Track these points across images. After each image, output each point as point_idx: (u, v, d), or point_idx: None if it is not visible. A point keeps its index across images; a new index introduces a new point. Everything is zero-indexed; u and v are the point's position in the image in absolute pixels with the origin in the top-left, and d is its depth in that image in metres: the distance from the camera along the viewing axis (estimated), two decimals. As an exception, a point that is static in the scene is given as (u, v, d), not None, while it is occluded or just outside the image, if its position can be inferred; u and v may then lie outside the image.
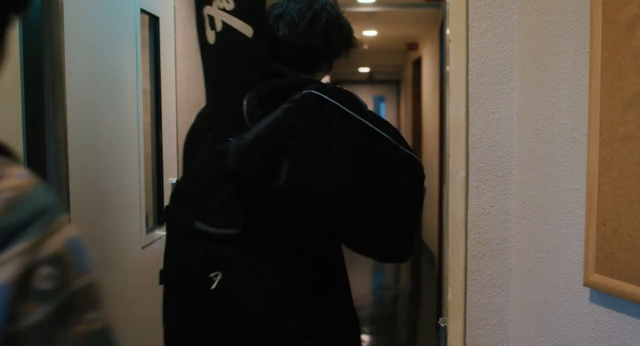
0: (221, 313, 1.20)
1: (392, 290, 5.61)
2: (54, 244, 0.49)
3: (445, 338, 1.35)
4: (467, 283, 1.32)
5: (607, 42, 0.99)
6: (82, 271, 0.52)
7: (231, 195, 1.16)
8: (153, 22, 2.13)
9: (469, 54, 1.29)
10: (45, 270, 0.48)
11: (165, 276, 1.29)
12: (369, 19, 6.29)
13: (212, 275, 1.17)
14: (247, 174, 1.09)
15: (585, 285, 1.05)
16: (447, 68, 1.32)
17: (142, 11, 1.96)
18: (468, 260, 1.32)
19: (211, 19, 1.17)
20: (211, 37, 1.18)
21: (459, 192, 1.31)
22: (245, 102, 1.15)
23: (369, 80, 11.68)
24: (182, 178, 1.33)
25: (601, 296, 1.04)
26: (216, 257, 1.18)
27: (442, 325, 1.37)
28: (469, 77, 1.29)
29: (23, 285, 0.46)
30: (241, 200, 1.16)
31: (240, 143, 1.08)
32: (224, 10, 1.16)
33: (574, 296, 1.11)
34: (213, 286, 1.17)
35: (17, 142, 1.21)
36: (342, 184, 1.13)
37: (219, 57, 1.21)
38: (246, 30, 1.17)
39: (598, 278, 1.02)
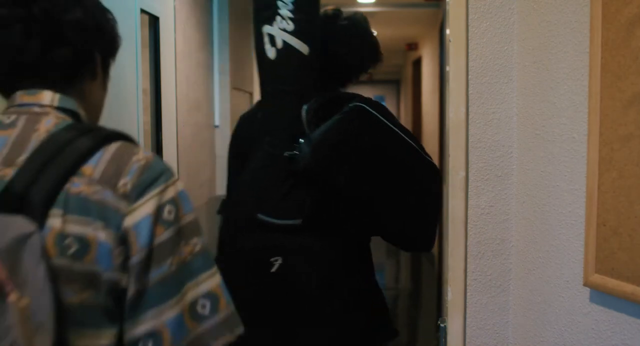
0: (280, 292, 1.39)
1: (392, 290, 5.61)
2: (171, 192, 0.78)
3: (445, 338, 1.35)
4: (467, 283, 1.32)
5: (607, 42, 0.99)
6: (188, 211, 0.79)
7: (290, 191, 1.37)
8: (153, 22, 2.13)
9: (469, 54, 1.29)
10: (168, 208, 0.77)
11: (222, 263, 1.35)
12: (369, 19, 6.28)
13: (272, 259, 1.37)
14: (319, 168, 1.32)
15: (585, 285, 1.05)
16: (447, 68, 1.32)
17: (142, 11, 1.96)
18: (468, 260, 1.32)
19: (271, 37, 1.36)
20: (271, 52, 1.36)
21: (459, 191, 1.31)
22: (304, 112, 1.36)
23: (369, 80, 11.66)
24: (236, 174, 1.54)
25: (601, 296, 1.04)
26: (276, 243, 1.38)
27: (441, 325, 1.38)
28: (469, 77, 1.29)
29: (157, 215, 0.75)
30: (305, 194, 1.37)
31: (312, 144, 1.31)
32: (284, 30, 1.35)
33: (573, 296, 1.11)
34: (273, 269, 1.37)
35: (17, 142, 1.21)
36: (385, 185, 1.36)
37: (278, 70, 1.38)
38: (303, 48, 1.36)
39: (598, 278, 1.02)
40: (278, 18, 1.35)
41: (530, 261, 1.26)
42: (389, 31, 7.14)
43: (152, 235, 0.75)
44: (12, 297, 0.65)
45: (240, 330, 0.82)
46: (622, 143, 0.96)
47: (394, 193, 1.36)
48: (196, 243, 0.79)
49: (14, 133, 0.78)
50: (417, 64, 7.68)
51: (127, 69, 1.81)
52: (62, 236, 0.72)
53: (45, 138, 0.77)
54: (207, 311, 0.78)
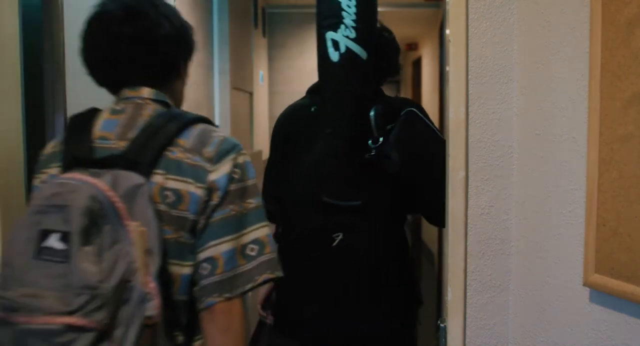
0: (339, 264, 1.65)
1: (392, 290, 5.59)
2: (241, 160, 1.07)
3: (445, 338, 1.35)
4: (467, 283, 1.32)
5: (606, 42, 0.99)
6: (251, 177, 1.08)
7: (352, 177, 1.64)
8: (153, 22, 2.13)
9: (469, 54, 1.29)
10: (237, 170, 1.05)
11: (285, 239, 1.72)
12: (369, 19, 6.28)
13: (334, 235, 1.64)
14: (399, 166, 1.59)
15: (585, 285, 1.05)
16: (447, 68, 1.32)
17: (142, 11, 1.96)
18: (468, 260, 1.32)
19: (335, 42, 1.56)
20: (335, 56, 1.57)
21: (459, 191, 1.31)
22: (373, 115, 1.61)
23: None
24: (279, 161, 1.82)
25: (601, 296, 1.04)
26: (338, 222, 1.64)
27: (441, 324, 1.38)
28: (469, 77, 1.29)
29: (230, 174, 1.04)
30: (363, 180, 1.65)
31: (398, 152, 1.60)
32: (347, 37, 1.55)
33: (573, 296, 1.11)
34: (334, 244, 1.64)
35: (17, 142, 1.21)
36: (429, 173, 1.58)
37: (340, 73, 1.58)
38: (362, 54, 1.57)
39: (598, 278, 1.02)
40: (342, 26, 1.55)
41: (530, 261, 1.26)
42: (389, 31, 7.13)
43: (226, 188, 1.03)
44: (132, 225, 0.92)
45: (279, 272, 1.06)
46: (622, 143, 0.96)
47: (434, 179, 1.52)
48: (252, 202, 1.06)
49: (123, 117, 1.10)
50: (417, 64, 7.67)
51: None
52: (163, 189, 1.01)
53: (147, 120, 1.07)
54: (254, 253, 1.04)
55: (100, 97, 1.63)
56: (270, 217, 1.29)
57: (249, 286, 1.03)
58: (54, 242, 0.90)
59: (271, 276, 1.05)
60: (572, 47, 1.11)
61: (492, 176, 1.31)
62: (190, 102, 2.89)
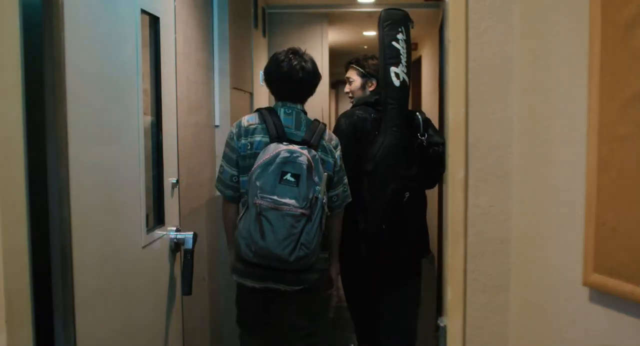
0: (407, 212, 2.64)
1: (392, 290, 5.58)
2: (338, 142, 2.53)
3: (445, 337, 1.35)
4: (467, 283, 1.32)
5: (606, 43, 0.99)
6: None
7: (411, 156, 2.64)
8: (153, 22, 2.13)
9: (469, 54, 1.29)
10: (339, 148, 2.51)
11: (378, 197, 2.61)
12: (369, 19, 6.28)
13: (406, 194, 2.61)
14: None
15: (584, 284, 1.05)
16: (447, 68, 1.32)
17: (142, 11, 1.96)
18: (467, 259, 1.32)
19: (396, 74, 2.58)
20: (397, 82, 2.58)
21: (459, 191, 1.31)
22: (421, 119, 2.65)
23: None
24: (354, 150, 2.72)
25: (600, 295, 1.04)
26: (407, 186, 2.61)
27: (441, 324, 1.38)
28: (469, 77, 1.29)
29: (340, 155, 2.51)
30: (415, 158, 2.64)
31: (442, 143, 2.51)
32: (403, 72, 2.59)
33: (573, 296, 1.11)
34: (405, 199, 2.61)
35: (17, 142, 1.22)
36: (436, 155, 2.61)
37: (400, 93, 2.60)
38: (408, 81, 2.61)
39: (597, 278, 1.02)
40: (400, 64, 2.58)
41: (529, 261, 1.26)
42: (388, 31, 7.12)
43: (340, 159, 2.49)
44: (324, 174, 2.29)
45: (350, 199, 2.56)
46: (622, 143, 0.96)
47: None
48: (342, 166, 2.50)
49: (292, 117, 2.41)
50: (417, 64, 7.67)
51: (127, 69, 1.81)
52: (318, 158, 2.29)
53: (307, 121, 2.42)
54: (345, 193, 2.52)
55: (100, 97, 1.63)
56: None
57: (344, 205, 2.54)
58: (289, 177, 2.22)
59: (349, 200, 2.56)
60: (572, 47, 1.11)
61: (492, 176, 1.31)
62: (191, 102, 2.89)
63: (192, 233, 2.26)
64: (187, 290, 2.24)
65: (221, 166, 2.46)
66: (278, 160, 2.22)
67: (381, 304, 2.88)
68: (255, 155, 2.32)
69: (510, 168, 1.30)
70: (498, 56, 1.29)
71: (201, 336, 3.07)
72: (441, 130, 2.82)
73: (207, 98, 3.31)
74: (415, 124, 2.64)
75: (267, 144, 2.32)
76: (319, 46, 5.90)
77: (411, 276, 2.88)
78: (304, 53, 2.48)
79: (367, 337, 3.00)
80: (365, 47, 8.72)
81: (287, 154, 2.23)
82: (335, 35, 7.11)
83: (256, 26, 4.67)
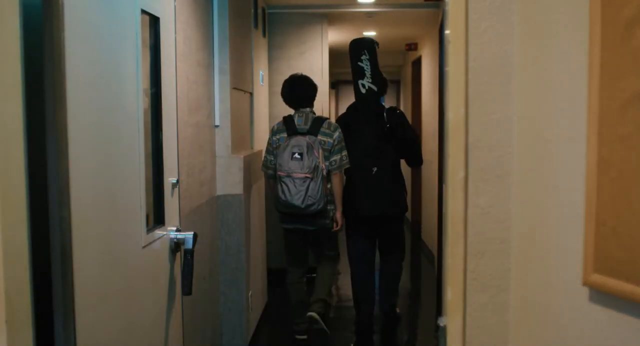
0: (375, 183, 4.08)
1: (392, 290, 5.58)
2: (338, 132, 3.96)
3: (445, 337, 1.35)
4: (467, 283, 1.32)
5: (606, 43, 0.99)
6: (342, 137, 4.01)
7: (379, 142, 4.12)
8: (153, 22, 2.13)
9: (469, 54, 1.29)
10: (338, 136, 3.93)
11: (349, 174, 4.11)
12: (369, 19, 6.29)
13: (373, 168, 4.06)
14: (398, 134, 4.19)
15: (584, 284, 1.05)
16: (447, 68, 1.32)
17: (143, 11, 1.96)
18: (467, 259, 1.32)
19: (362, 84, 4.01)
20: (363, 90, 4.04)
21: (458, 191, 1.31)
22: (385, 114, 4.07)
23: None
24: (349, 139, 4.06)
25: (600, 295, 1.04)
26: (374, 162, 4.06)
27: (441, 324, 1.38)
28: (468, 77, 1.30)
29: (338, 136, 3.94)
30: (385, 144, 4.11)
31: (397, 125, 4.12)
32: (368, 82, 4.03)
33: (573, 296, 1.11)
34: (373, 173, 4.07)
35: (17, 142, 1.22)
36: (406, 135, 4.19)
37: (366, 99, 4.07)
38: (376, 89, 4.08)
39: (597, 278, 1.02)
40: (365, 77, 4.02)
41: (529, 261, 1.26)
42: (388, 31, 7.14)
43: (337, 139, 3.90)
44: (319, 151, 3.82)
45: (348, 165, 3.96)
46: (622, 143, 0.96)
47: (408, 139, 4.22)
48: (341, 142, 3.93)
49: (302, 117, 3.93)
50: (417, 64, 7.68)
51: (127, 69, 1.81)
52: (321, 140, 3.85)
53: (313, 118, 3.94)
54: (344, 160, 3.94)
55: (100, 97, 1.63)
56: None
57: (342, 169, 3.91)
58: (296, 155, 3.72)
59: (347, 166, 3.94)
60: (572, 47, 1.11)
61: (492, 176, 1.31)
62: (191, 102, 2.89)
63: (192, 233, 2.26)
64: (187, 290, 2.24)
65: (264, 155, 4.04)
66: (289, 146, 3.79)
67: (375, 241, 4.39)
68: (280, 146, 3.87)
69: (510, 168, 1.30)
70: (498, 56, 1.29)
71: (201, 336, 3.07)
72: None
73: (207, 98, 3.31)
74: (383, 117, 4.02)
75: (285, 138, 3.87)
76: (319, 46, 5.90)
77: (394, 222, 4.30)
78: (301, 76, 4.10)
79: (363, 290, 4.38)
80: (365, 47, 8.70)
81: (294, 142, 3.79)
82: (335, 35, 7.10)
83: (256, 26, 4.67)
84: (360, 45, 4.01)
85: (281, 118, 4.01)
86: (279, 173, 3.74)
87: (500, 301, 1.32)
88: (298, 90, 3.95)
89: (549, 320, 1.19)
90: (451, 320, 1.33)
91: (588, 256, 1.03)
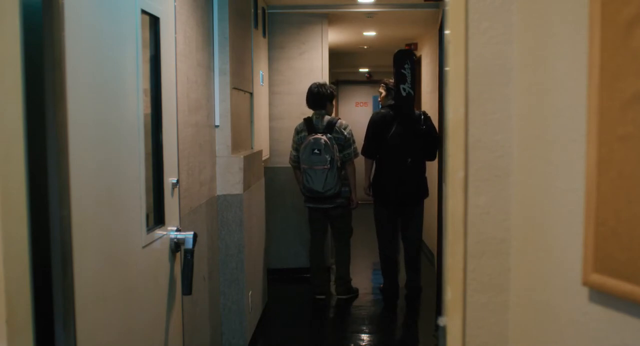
0: (410, 173, 5.02)
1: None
2: (348, 130, 5.06)
3: (445, 337, 1.36)
4: (466, 283, 1.32)
5: (606, 43, 0.99)
6: (351, 133, 5.12)
7: (414, 139, 5.03)
8: (153, 22, 2.13)
9: (468, 54, 1.29)
10: (349, 134, 5.04)
11: (381, 164, 5.17)
12: (369, 19, 6.29)
13: (408, 159, 4.96)
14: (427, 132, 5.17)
15: (584, 284, 1.05)
16: (446, 68, 1.32)
17: (143, 12, 1.96)
18: (467, 259, 1.32)
19: (404, 88, 4.94)
20: (404, 93, 4.93)
21: (458, 191, 1.31)
22: (423, 116, 5.04)
23: (368, 80, 11.68)
24: (380, 138, 5.08)
25: (600, 295, 1.04)
26: (409, 154, 4.98)
27: (441, 324, 1.38)
28: (468, 77, 1.30)
29: (348, 133, 5.04)
30: (418, 140, 5.04)
31: (433, 126, 5.09)
32: (408, 87, 4.94)
33: (572, 296, 1.11)
34: (408, 163, 4.98)
35: (17, 142, 1.22)
36: (433, 136, 5.08)
37: (406, 101, 4.97)
38: (413, 94, 5.00)
39: (597, 278, 1.02)
40: (406, 82, 4.91)
41: (529, 260, 1.26)
42: (388, 31, 7.14)
43: (350, 135, 5.02)
44: (332, 147, 4.95)
45: (358, 156, 5.14)
46: (622, 143, 0.96)
47: (434, 139, 5.04)
48: (351, 138, 5.04)
49: (319, 118, 4.99)
50: (417, 64, 7.67)
51: (127, 69, 1.81)
52: (332, 137, 4.90)
53: (327, 119, 5.00)
54: (354, 152, 5.05)
55: (100, 97, 1.63)
56: (370, 156, 5.16)
57: (352, 158, 5.04)
58: (316, 151, 4.80)
59: (357, 156, 5.11)
60: (571, 47, 1.11)
61: (492, 176, 1.31)
62: (191, 102, 2.89)
63: (192, 233, 2.26)
64: (187, 290, 2.24)
65: (290, 151, 5.10)
66: (309, 143, 4.83)
67: (399, 220, 5.24)
68: (302, 144, 4.90)
69: (510, 168, 1.30)
70: (498, 56, 1.29)
71: (201, 336, 3.07)
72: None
73: (207, 99, 3.31)
74: (417, 118, 4.97)
75: (306, 136, 4.91)
76: (319, 46, 5.90)
77: (417, 204, 5.16)
78: (324, 84, 5.11)
79: (389, 258, 5.28)
80: (365, 47, 8.71)
81: (313, 140, 4.83)
82: (335, 35, 7.11)
83: (256, 26, 4.67)
84: (405, 56, 5.00)
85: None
86: (302, 166, 4.87)
87: (500, 301, 1.32)
88: (315, 96, 4.98)
89: (549, 320, 1.19)
90: (451, 320, 1.33)
91: (588, 256, 1.03)
